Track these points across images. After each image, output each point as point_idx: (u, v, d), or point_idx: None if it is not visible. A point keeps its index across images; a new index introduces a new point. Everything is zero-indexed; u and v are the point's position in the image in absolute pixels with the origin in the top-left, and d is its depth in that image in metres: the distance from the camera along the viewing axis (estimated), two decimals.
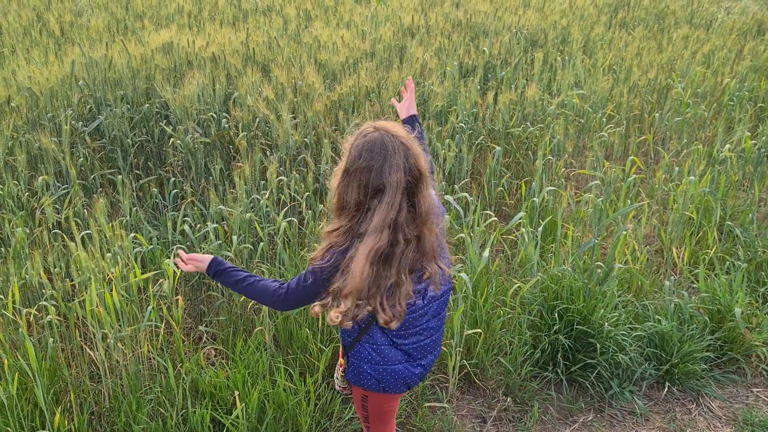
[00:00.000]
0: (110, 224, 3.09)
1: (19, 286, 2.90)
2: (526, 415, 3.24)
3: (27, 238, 3.28)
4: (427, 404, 3.16)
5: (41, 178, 3.71)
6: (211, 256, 2.21)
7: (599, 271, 3.56)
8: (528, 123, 5.27)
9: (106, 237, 3.09)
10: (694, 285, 4.07)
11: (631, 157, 4.73)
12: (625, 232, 3.82)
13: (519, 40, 6.90)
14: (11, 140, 3.96)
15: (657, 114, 5.80)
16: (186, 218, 3.75)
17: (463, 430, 3.14)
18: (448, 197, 3.96)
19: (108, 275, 2.90)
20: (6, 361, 2.58)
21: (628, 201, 4.44)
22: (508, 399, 3.27)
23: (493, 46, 6.43)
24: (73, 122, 4.24)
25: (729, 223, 4.42)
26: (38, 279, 2.92)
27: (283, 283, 2.10)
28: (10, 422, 2.53)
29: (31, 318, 2.94)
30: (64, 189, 3.86)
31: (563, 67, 6.31)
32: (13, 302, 2.86)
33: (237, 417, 2.73)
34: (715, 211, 4.36)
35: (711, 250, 4.19)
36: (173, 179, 4.23)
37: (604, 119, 5.64)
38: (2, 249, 3.40)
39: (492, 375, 3.37)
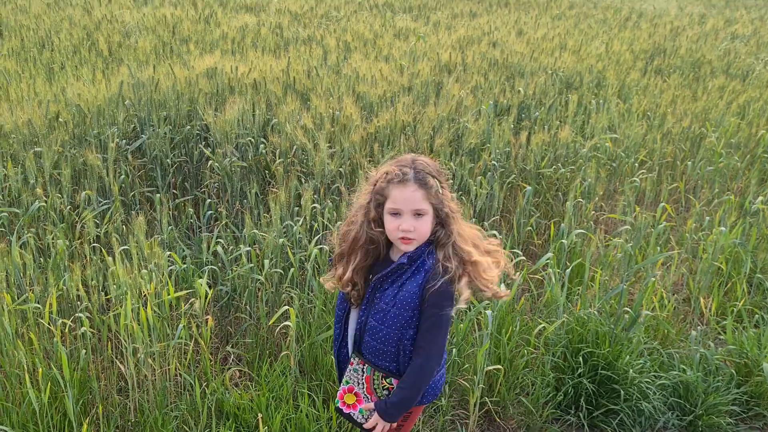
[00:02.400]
0: (148, 242, 3.16)
1: (56, 296, 2.97)
2: None
3: (67, 250, 3.37)
4: None
5: (84, 192, 3.81)
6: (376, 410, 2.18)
7: (626, 316, 3.54)
8: (559, 164, 5.29)
9: (143, 254, 3.16)
10: (721, 336, 4.02)
11: (662, 204, 4.71)
12: (653, 279, 3.81)
13: (554, 81, 6.95)
14: (58, 155, 4.08)
15: (689, 162, 5.78)
16: (219, 240, 3.82)
17: None
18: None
19: (143, 291, 2.96)
20: (40, 370, 2.64)
21: (658, 248, 4.42)
22: None
23: (528, 86, 6.48)
24: (117, 140, 4.36)
25: (759, 276, 4.36)
26: (76, 291, 2.99)
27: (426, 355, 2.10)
28: (40, 430, 2.58)
29: (66, 329, 3.00)
30: (104, 204, 3.96)
31: (597, 110, 6.33)
32: (50, 312, 2.93)
33: None
34: (745, 263, 4.32)
35: (740, 302, 4.14)
36: (209, 200, 4.32)
37: (636, 164, 5.63)
38: (42, 259, 3.49)
39: (513, 414, 3.35)
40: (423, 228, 2.04)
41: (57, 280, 3.10)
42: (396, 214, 2.04)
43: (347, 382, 2.23)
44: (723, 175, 5.76)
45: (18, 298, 3.04)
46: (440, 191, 2.05)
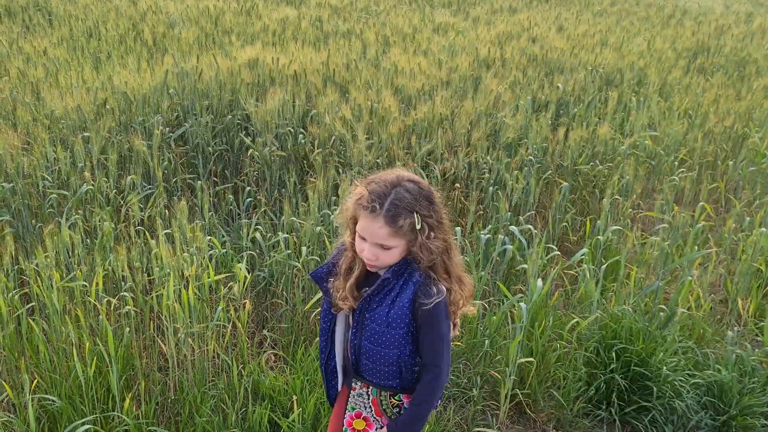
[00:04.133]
0: (190, 226, 3.25)
1: (102, 276, 3.08)
2: None
3: (112, 232, 3.48)
4: (477, 429, 3.19)
5: (130, 177, 3.93)
6: None
7: (661, 314, 3.53)
8: (597, 161, 5.26)
9: (185, 238, 3.25)
10: (759, 338, 3.97)
11: (702, 203, 4.66)
12: (690, 278, 3.78)
13: (594, 78, 6.89)
14: (105, 140, 4.21)
15: (731, 162, 5.69)
16: (258, 226, 3.90)
17: None
18: (513, 228, 4.00)
19: (185, 274, 3.05)
20: (87, 345, 2.74)
21: (696, 247, 4.37)
22: (558, 427, 3.26)
23: (567, 83, 6.45)
24: (161, 128, 4.48)
25: None
26: (121, 271, 3.10)
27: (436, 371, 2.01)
28: (86, 402, 2.69)
29: (111, 307, 3.11)
30: (148, 190, 4.08)
31: (637, 108, 6.27)
32: (96, 291, 3.04)
33: (294, 420, 2.83)
34: None
35: None
36: (248, 188, 4.41)
37: (676, 163, 5.57)
38: (89, 241, 3.61)
39: (543, 407, 3.37)
40: (386, 259, 1.91)
41: (103, 260, 3.21)
42: (363, 238, 1.90)
43: (353, 408, 2.14)
44: (765, 175, 5.66)
45: (66, 277, 3.16)
46: (416, 226, 1.85)
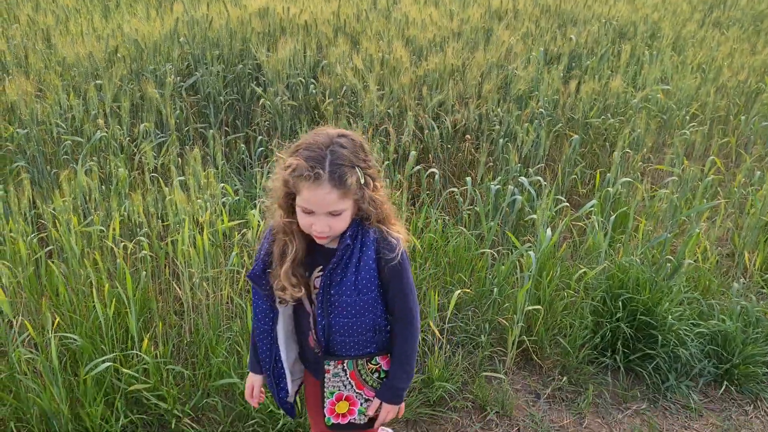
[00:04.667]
0: (204, 172, 3.29)
1: (118, 221, 3.13)
2: (580, 397, 3.31)
3: (127, 179, 3.52)
4: (484, 374, 3.27)
5: (143, 125, 3.95)
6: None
7: (668, 265, 3.57)
8: (608, 115, 5.24)
9: (199, 185, 3.29)
10: (764, 291, 4.02)
11: (712, 157, 4.66)
12: (698, 231, 3.81)
13: (607, 30, 6.81)
14: (117, 88, 4.22)
15: (743, 117, 5.65)
16: (270, 174, 3.93)
17: (517, 402, 3.23)
18: (522, 179, 4.02)
19: (199, 219, 3.10)
20: (106, 286, 2.81)
21: (705, 201, 4.39)
22: (564, 379, 3.34)
23: (580, 35, 6.37)
24: (172, 76, 4.48)
25: None
26: (137, 217, 3.15)
27: (407, 317, 1.95)
28: (106, 342, 2.77)
29: (128, 251, 3.17)
30: (161, 138, 4.11)
31: (650, 61, 6.20)
32: (113, 236, 3.10)
33: None
34: None
35: None
36: (260, 138, 4.43)
37: (688, 117, 5.54)
38: (104, 188, 3.66)
39: (550, 354, 3.44)
40: (339, 225, 1.78)
41: (119, 206, 3.26)
42: (309, 212, 1.75)
43: (332, 393, 1.99)
44: None
45: (83, 221, 3.21)
46: (361, 183, 1.74)
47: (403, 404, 2.06)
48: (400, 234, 1.88)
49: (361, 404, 2.01)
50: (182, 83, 4.82)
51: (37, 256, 2.99)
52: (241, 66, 4.96)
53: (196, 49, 4.97)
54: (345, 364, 1.95)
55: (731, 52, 6.73)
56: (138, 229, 3.29)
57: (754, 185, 4.68)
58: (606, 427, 3.18)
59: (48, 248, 3.12)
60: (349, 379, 1.97)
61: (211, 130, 4.32)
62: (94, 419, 2.54)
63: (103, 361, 2.60)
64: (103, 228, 3.14)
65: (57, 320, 2.71)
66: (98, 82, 4.29)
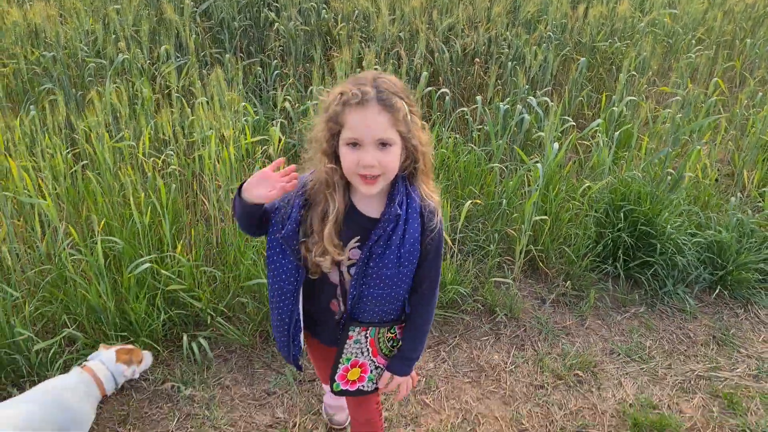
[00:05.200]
0: (228, 91, 3.43)
1: (148, 136, 3.30)
2: (582, 301, 3.54)
3: (152, 98, 3.67)
4: (493, 279, 3.49)
5: (163, 47, 4.07)
6: None
7: (669, 178, 3.74)
8: (615, 38, 5.32)
9: (222, 103, 3.44)
10: (760, 204, 4.19)
11: (715, 79, 4.77)
12: (698, 147, 3.96)
13: None
14: (135, 12, 4.32)
15: (748, 41, 5.72)
16: (287, 97, 4.08)
17: (524, 306, 3.46)
18: (531, 99, 4.15)
19: (224, 134, 3.26)
20: (142, 196, 3.01)
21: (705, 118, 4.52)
22: (568, 283, 3.57)
23: None
24: (187, 1, 4.56)
25: None
26: (164, 133, 3.31)
27: (434, 289, 1.89)
28: (143, 247, 2.98)
29: (159, 164, 3.35)
30: (181, 60, 4.23)
31: None
32: (143, 151, 3.27)
33: None
34: None
35: None
36: (275, 62, 4.54)
37: (693, 41, 5.61)
38: (128, 109, 3.81)
39: (555, 263, 3.65)
40: (390, 162, 1.61)
41: (147, 123, 3.42)
42: (354, 144, 1.59)
43: (348, 360, 1.92)
44: None
45: (114, 138, 3.38)
46: (409, 116, 1.61)
47: (415, 374, 2.03)
48: (434, 195, 1.76)
49: (372, 371, 1.96)
50: (195, 8, 4.90)
51: (73, 170, 3.18)
52: None
53: None
54: (368, 332, 1.87)
55: None
56: (163, 149, 3.46)
57: (756, 106, 4.81)
58: (606, 328, 3.42)
59: (82, 162, 3.29)
60: (368, 347, 1.91)
61: (227, 55, 4.43)
62: (138, 314, 2.78)
63: (143, 262, 2.81)
64: (133, 143, 3.31)
65: (103, 221, 2.91)
66: (116, 6, 4.38)
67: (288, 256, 1.74)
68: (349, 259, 1.75)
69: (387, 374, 1.95)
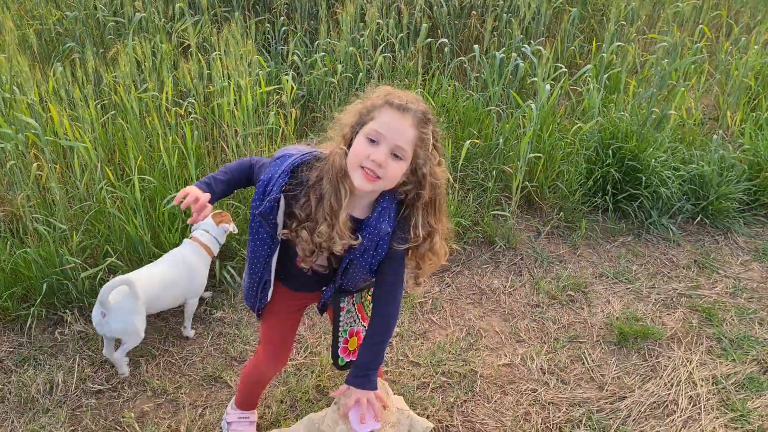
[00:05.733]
0: (242, 47, 3.67)
1: (170, 86, 3.55)
2: (575, 233, 3.82)
3: (171, 52, 3.90)
4: (492, 212, 3.77)
5: (177, 5, 4.29)
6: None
7: (653, 116, 3.99)
8: None
9: (236, 56, 3.68)
10: (740, 141, 4.45)
11: (701, 26, 4.99)
12: (683, 89, 4.21)
13: None
14: None
15: None
16: (296, 51, 4.31)
17: (520, 237, 3.75)
18: (525, 47, 4.38)
19: (240, 83, 3.51)
20: (170, 139, 3.27)
21: (692, 66, 4.76)
22: (561, 215, 3.85)
23: None
24: None
25: None
26: (184, 86, 3.56)
27: (395, 300, 1.92)
28: (170, 187, 3.25)
29: (183, 111, 3.60)
30: (194, 18, 4.45)
31: None
32: (167, 100, 3.52)
33: None
34: None
35: (764, 112, 4.53)
36: (281, 18, 4.76)
37: None
38: (147, 63, 4.05)
39: (549, 198, 3.93)
40: (393, 171, 1.66)
41: (168, 75, 3.67)
42: (373, 141, 1.65)
43: (346, 331, 2.04)
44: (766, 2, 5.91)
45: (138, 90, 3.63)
46: (429, 148, 1.70)
47: (385, 393, 2.00)
48: (429, 229, 1.80)
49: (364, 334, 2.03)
50: None
51: (103, 119, 3.43)
52: None
53: None
54: (354, 298, 2.00)
55: None
56: (182, 102, 3.71)
57: (740, 51, 5.04)
58: (596, 255, 3.71)
59: (111, 113, 3.55)
60: (357, 313, 2.03)
61: (236, 13, 4.65)
62: (171, 244, 3.06)
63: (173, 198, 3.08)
64: (156, 93, 3.56)
65: (139, 159, 3.18)
66: None
67: (265, 227, 1.80)
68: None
69: (344, 386, 1.90)
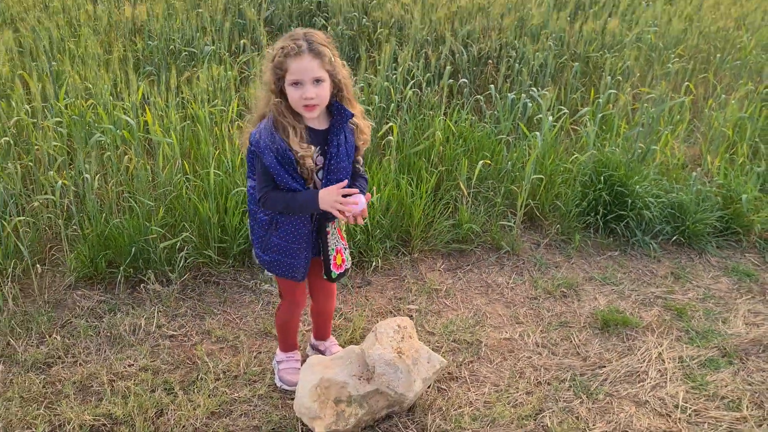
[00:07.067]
0: None
1: (236, 104, 4.17)
2: (569, 245, 4.36)
3: (237, 77, 4.54)
4: (500, 222, 4.33)
5: (242, 41, 4.97)
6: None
7: (639, 151, 4.58)
8: (605, 50, 6.19)
9: None
10: (717, 179, 5.01)
11: (687, 83, 5.62)
12: (666, 132, 4.80)
13: None
14: (218, 14, 5.24)
15: (718, 55, 6.58)
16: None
17: (522, 247, 4.29)
18: (533, 90, 5.02)
19: None
20: (236, 143, 3.87)
21: (678, 116, 5.37)
22: (558, 227, 4.40)
23: None
24: (265, 4, 5.48)
25: (757, 140, 5.30)
26: (245, 105, 4.19)
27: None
28: (236, 179, 3.84)
29: (243, 123, 4.22)
30: (254, 53, 5.14)
31: (645, 9, 7.11)
32: (232, 113, 4.14)
33: (373, 204, 3.96)
34: (748, 131, 5.25)
35: (739, 158, 5.10)
36: None
37: (674, 56, 6.47)
38: (220, 84, 4.70)
39: (548, 215, 4.48)
40: (323, 93, 2.21)
41: (235, 95, 4.31)
42: (297, 83, 2.17)
43: (333, 249, 2.53)
44: (749, 69, 6.55)
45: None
46: (333, 59, 2.22)
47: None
48: (357, 108, 2.41)
49: (344, 251, 2.59)
50: (258, 17, 5.83)
51: (183, 125, 4.06)
52: (306, 2, 5.95)
53: None
54: (335, 223, 2.51)
55: (717, 2, 7.60)
56: (243, 117, 4.34)
57: (722, 106, 5.65)
58: (587, 264, 4.23)
59: (185, 122, 4.18)
60: (338, 235, 2.54)
61: None
62: (232, 225, 3.63)
63: (241, 192, 3.67)
64: (224, 108, 4.20)
65: (217, 152, 3.77)
66: (199, 10, 5.31)
67: (290, 169, 2.28)
68: (316, 165, 2.35)
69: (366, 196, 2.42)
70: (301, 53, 2.15)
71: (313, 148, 2.28)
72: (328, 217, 2.41)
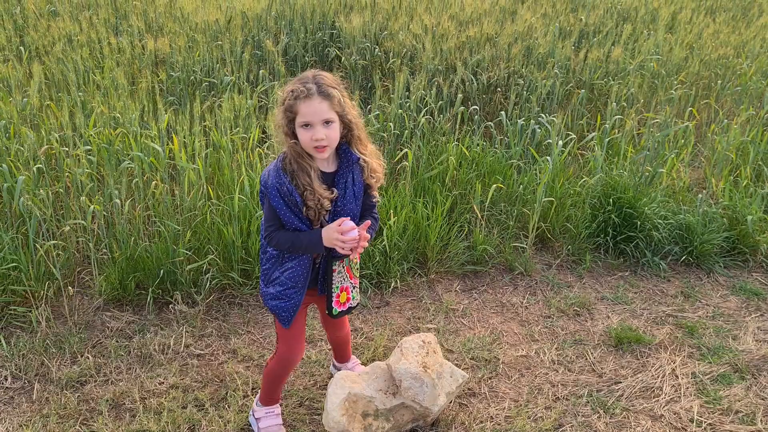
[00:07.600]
0: None
1: (257, 132, 4.29)
2: (580, 266, 4.44)
3: (256, 108, 4.68)
4: (513, 244, 4.41)
5: (261, 71, 5.13)
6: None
7: (646, 174, 4.68)
8: (609, 78, 6.33)
9: None
10: (722, 201, 5.10)
11: (690, 108, 5.74)
12: (672, 156, 4.91)
13: (612, 13, 7.87)
14: (240, 44, 5.40)
15: (719, 81, 6.72)
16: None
17: (535, 267, 4.37)
18: (542, 116, 5.14)
19: None
20: (257, 168, 3.98)
21: (682, 140, 5.49)
22: (569, 247, 4.48)
23: (589, 16, 7.45)
24: (283, 36, 5.65)
25: (760, 163, 5.40)
26: (264, 132, 4.31)
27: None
28: (256, 205, 3.94)
29: (263, 153, 4.33)
30: (272, 83, 5.29)
31: (647, 38, 7.28)
32: (253, 141, 4.26)
33: (390, 227, 4.06)
34: (750, 154, 5.35)
35: (743, 180, 5.20)
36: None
37: (676, 83, 6.61)
38: (241, 113, 4.83)
39: (559, 237, 4.57)
40: (333, 134, 2.21)
41: (251, 125, 4.43)
42: (307, 125, 2.18)
43: (337, 288, 2.51)
44: (749, 94, 6.68)
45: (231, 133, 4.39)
46: (342, 100, 2.22)
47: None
48: (369, 146, 2.40)
49: (352, 290, 2.56)
50: (275, 47, 5.99)
51: (206, 152, 4.18)
52: (320, 34, 6.12)
53: (284, 20, 6.14)
54: (343, 263, 2.48)
55: (716, 31, 7.77)
56: (263, 143, 4.46)
57: (725, 131, 5.76)
58: (599, 284, 4.31)
59: (210, 148, 4.29)
60: (345, 273, 2.51)
61: None
62: (255, 249, 3.72)
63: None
64: (245, 135, 4.32)
65: (242, 177, 3.88)
66: (218, 43, 5.47)
67: (296, 212, 2.30)
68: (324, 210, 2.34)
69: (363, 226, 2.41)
70: (311, 96, 2.16)
71: (335, 191, 2.32)
72: (335, 255, 2.40)
